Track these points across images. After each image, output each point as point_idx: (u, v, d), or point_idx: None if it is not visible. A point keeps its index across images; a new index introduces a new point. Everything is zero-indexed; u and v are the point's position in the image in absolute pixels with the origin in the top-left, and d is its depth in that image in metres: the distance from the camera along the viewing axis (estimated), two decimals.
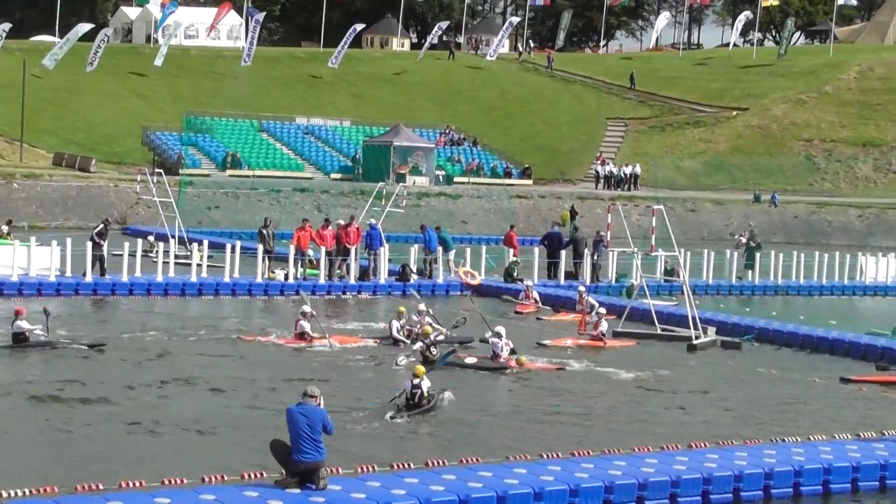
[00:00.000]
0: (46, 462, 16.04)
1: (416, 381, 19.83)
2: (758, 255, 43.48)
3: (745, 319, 32.15)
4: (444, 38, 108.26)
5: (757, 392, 23.63)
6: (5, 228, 38.85)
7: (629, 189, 73.92)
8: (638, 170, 76.11)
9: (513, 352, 24.80)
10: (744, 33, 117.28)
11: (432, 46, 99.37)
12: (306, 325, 26.55)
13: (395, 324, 26.71)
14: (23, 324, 24.23)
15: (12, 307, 26.07)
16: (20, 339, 24.18)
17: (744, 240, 44.74)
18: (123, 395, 20.32)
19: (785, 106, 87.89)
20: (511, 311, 33.76)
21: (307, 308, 26.94)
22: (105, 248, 34.85)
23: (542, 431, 19.23)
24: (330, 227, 38.10)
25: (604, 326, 28.45)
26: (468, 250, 40.18)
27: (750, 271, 43.19)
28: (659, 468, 15.97)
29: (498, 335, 24.83)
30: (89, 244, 34.40)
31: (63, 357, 23.62)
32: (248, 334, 27.34)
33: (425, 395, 19.82)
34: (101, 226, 36.42)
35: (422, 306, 27.55)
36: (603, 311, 29.19)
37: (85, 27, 78.79)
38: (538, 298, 34.86)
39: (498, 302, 35.55)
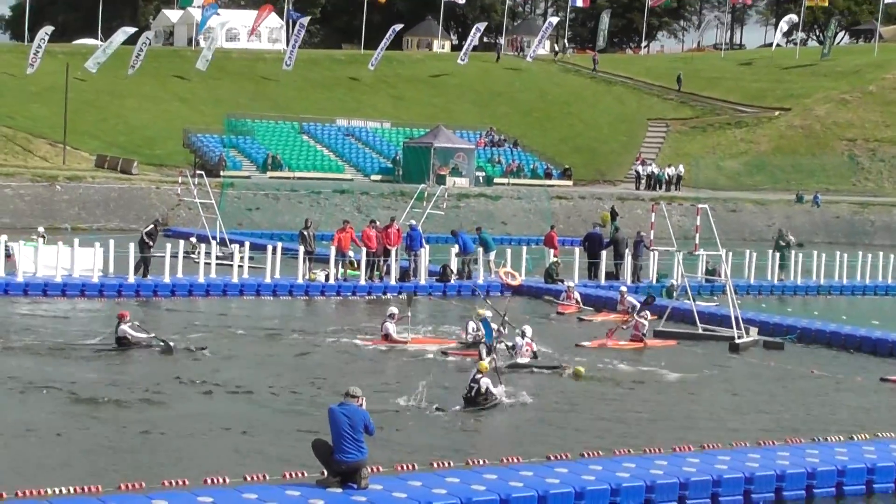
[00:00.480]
0: (97, 462, 16.16)
1: (478, 376, 19.98)
2: (790, 254, 43.12)
3: (787, 319, 31.99)
4: (486, 39, 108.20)
5: (799, 392, 23.50)
6: (41, 230, 39.22)
7: (671, 190, 73.58)
8: (681, 170, 75.74)
9: (535, 355, 24.59)
10: (787, 34, 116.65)
11: (473, 48, 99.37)
12: (391, 327, 26.60)
13: (472, 324, 26.06)
14: (126, 328, 24.51)
15: (60, 307, 26.27)
16: (123, 343, 24.49)
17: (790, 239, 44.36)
18: (197, 396, 20.46)
19: (828, 106, 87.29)
20: (553, 312, 33.72)
21: (394, 309, 27.05)
22: (151, 249, 35.22)
23: (583, 431, 19.19)
24: (396, 226, 38.22)
25: (646, 325, 28.37)
26: (508, 251, 40.14)
27: (783, 271, 42.82)
28: (700, 468, 15.91)
29: (522, 334, 24.77)
30: (134, 245, 34.64)
31: (160, 360, 23.78)
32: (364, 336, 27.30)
33: (482, 392, 19.85)
34: (152, 226, 36.73)
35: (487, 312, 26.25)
36: (647, 313, 29.07)
37: (128, 31, 79.34)
38: (579, 299, 34.79)
39: (539, 303, 35.50)
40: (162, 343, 24.65)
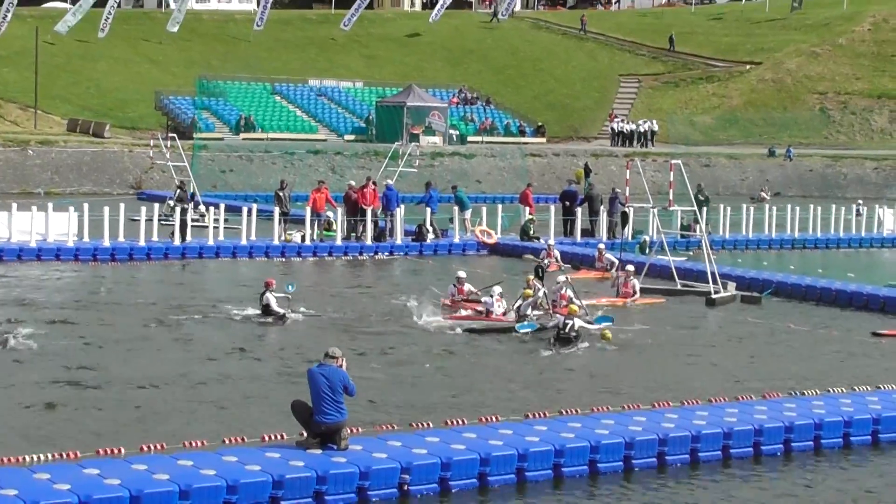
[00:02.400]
0: (101, 427, 16.15)
1: (568, 319, 22.15)
2: (706, 208, 40.51)
3: (764, 273, 32.11)
4: None
5: (777, 346, 23.63)
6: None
7: (645, 146, 73.55)
8: (655, 126, 75.62)
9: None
10: None
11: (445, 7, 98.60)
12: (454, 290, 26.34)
13: (522, 303, 24.75)
14: (270, 296, 24.32)
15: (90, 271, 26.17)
16: (268, 311, 24.31)
17: (766, 195, 44.15)
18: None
19: (799, 59, 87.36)
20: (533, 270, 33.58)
21: (462, 273, 26.72)
22: (189, 213, 35.93)
23: (560, 390, 19.26)
24: (372, 186, 38.08)
25: (634, 283, 28.35)
26: (483, 209, 40.13)
27: (708, 225, 39.79)
28: (679, 423, 15.99)
29: (490, 293, 25.01)
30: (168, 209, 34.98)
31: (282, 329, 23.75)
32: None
33: (575, 329, 22.09)
34: (178, 190, 36.81)
35: (561, 277, 26.04)
36: (631, 268, 29.05)
37: None
38: (559, 257, 34.75)
39: (516, 261, 35.50)
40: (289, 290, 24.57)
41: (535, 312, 24.32)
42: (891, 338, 24.47)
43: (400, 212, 37.90)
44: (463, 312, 25.26)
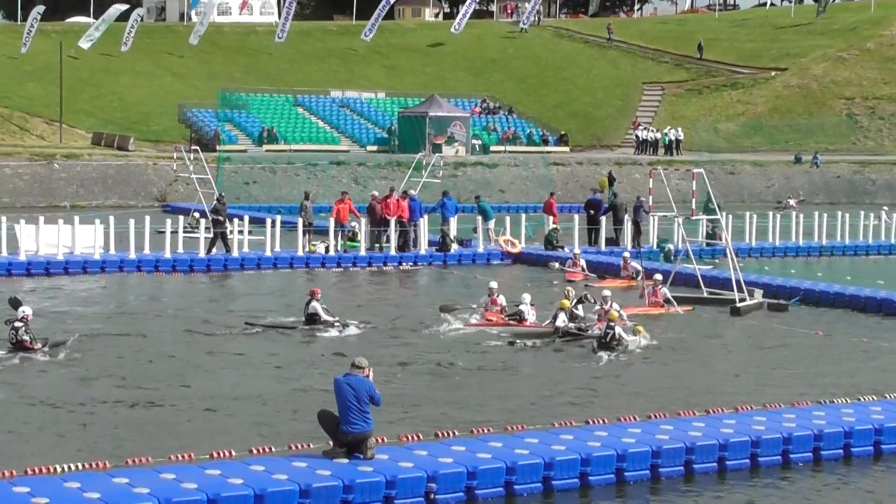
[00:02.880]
0: (124, 438, 16.17)
1: (612, 324, 22.83)
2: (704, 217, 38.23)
3: (791, 281, 31.94)
4: (477, 6, 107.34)
5: (804, 353, 23.49)
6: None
7: (672, 154, 73.22)
8: (680, 134, 75.29)
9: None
10: None
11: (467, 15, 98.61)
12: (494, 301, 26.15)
13: (561, 315, 24.56)
14: (316, 304, 24.44)
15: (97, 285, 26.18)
16: (313, 320, 24.42)
17: (793, 202, 43.66)
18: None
19: (825, 64, 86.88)
20: (559, 279, 33.48)
21: (494, 284, 26.65)
22: (226, 225, 35.91)
23: (589, 399, 19.18)
24: (395, 196, 38.07)
25: (665, 292, 28.23)
26: (507, 219, 40.07)
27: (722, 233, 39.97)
28: (707, 432, 15.90)
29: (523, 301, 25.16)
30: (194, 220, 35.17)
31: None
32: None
33: (615, 337, 22.70)
34: (216, 202, 36.85)
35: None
36: (659, 277, 28.94)
37: (120, 8, 78.99)
38: (585, 266, 34.59)
39: (540, 269, 35.40)
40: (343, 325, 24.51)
41: (571, 324, 24.36)
42: None
43: (423, 222, 37.88)
44: (494, 319, 25.26)
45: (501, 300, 26.20)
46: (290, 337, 23.99)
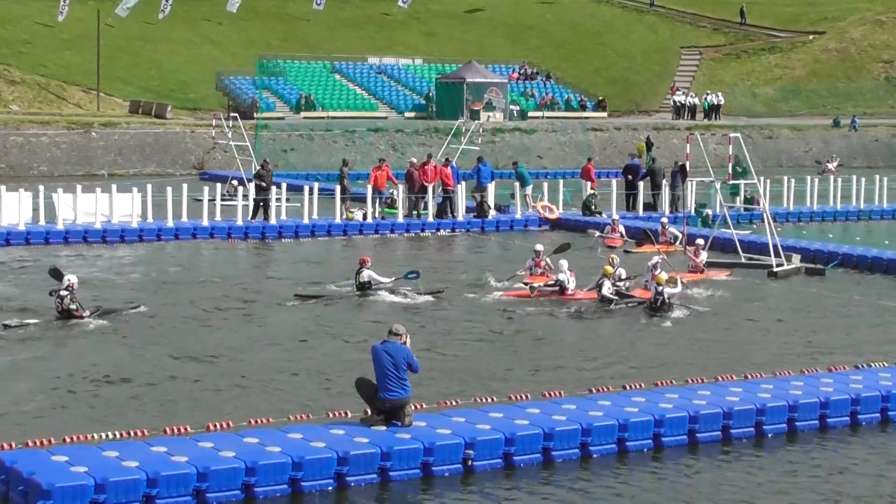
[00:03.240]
0: (157, 407, 16.34)
1: (660, 287, 23.00)
2: (742, 181, 38.84)
3: (829, 245, 31.80)
4: None
5: (842, 318, 23.41)
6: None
7: (710, 118, 72.81)
8: (721, 99, 74.78)
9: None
10: None
11: None
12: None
13: (606, 282, 24.43)
14: (369, 272, 24.42)
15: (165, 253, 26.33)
16: (365, 287, 24.41)
17: (831, 166, 43.42)
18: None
19: (863, 28, 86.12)
20: (598, 245, 33.36)
21: (540, 247, 26.85)
22: (271, 191, 35.68)
23: (621, 361, 19.20)
24: (433, 163, 38.09)
25: (703, 256, 28.19)
26: (545, 185, 40.02)
27: (737, 198, 39.29)
28: (744, 396, 15.90)
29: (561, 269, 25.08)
30: (253, 186, 35.38)
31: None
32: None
33: (666, 301, 22.93)
34: (260, 168, 36.85)
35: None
36: (701, 241, 28.84)
37: None
38: (623, 232, 34.50)
39: (579, 235, 35.35)
40: (412, 277, 24.55)
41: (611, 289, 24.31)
42: None
43: (461, 188, 37.90)
44: (537, 286, 25.12)
45: (547, 262, 26.26)
46: (340, 304, 23.87)
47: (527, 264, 26.67)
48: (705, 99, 74.48)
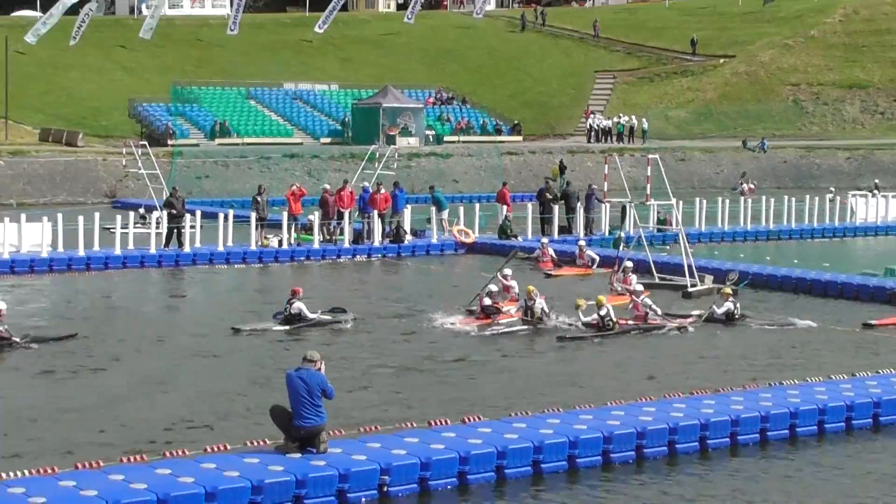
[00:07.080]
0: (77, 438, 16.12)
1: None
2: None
3: (739, 265, 32.21)
4: None
5: (751, 337, 23.72)
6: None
7: (629, 141, 73.44)
8: (634, 121, 75.47)
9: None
10: None
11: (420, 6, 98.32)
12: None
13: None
14: (299, 304, 23.88)
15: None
16: (297, 320, 23.82)
17: (747, 187, 44.05)
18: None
19: (772, 52, 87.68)
20: (528, 267, 33.16)
21: (508, 271, 26.75)
22: (185, 218, 35.36)
23: (541, 388, 19.29)
24: (349, 188, 38.12)
25: (633, 280, 27.91)
26: (461, 209, 40.13)
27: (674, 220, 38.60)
28: (688, 412, 16.28)
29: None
30: (165, 214, 35.09)
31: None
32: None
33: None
34: (169, 195, 36.53)
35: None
36: (629, 264, 28.78)
37: (67, 2, 78.20)
38: (553, 255, 34.19)
39: (495, 259, 35.25)
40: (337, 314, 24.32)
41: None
42: (886, 327, 24.57)
43: (375, 214, 37.85)
44: (512, 311, 24.82)
45: (514, 287, 26.09)
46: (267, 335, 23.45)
47: (493, 289, 25.51)
48: (620, 122, 75.17)
